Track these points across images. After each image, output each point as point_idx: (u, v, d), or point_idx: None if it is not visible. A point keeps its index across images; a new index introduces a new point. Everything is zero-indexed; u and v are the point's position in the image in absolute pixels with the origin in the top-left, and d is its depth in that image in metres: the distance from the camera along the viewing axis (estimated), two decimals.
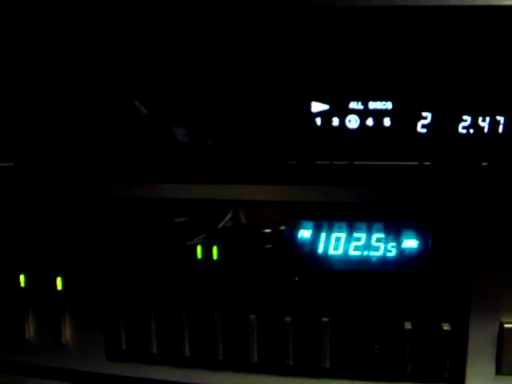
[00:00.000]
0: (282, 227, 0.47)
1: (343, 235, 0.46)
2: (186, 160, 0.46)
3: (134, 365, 0.50)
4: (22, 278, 0.50)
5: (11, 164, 0.49)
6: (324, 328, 0.46)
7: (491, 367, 0.46)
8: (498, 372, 0.46)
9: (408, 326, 0.45)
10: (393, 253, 0.46)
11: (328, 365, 0.46)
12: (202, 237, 0.48)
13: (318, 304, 0.46)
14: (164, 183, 0.48)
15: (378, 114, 0.42)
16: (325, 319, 0.46)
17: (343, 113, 0.42)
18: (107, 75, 0.44)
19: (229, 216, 0.47)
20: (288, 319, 0.46)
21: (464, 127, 0.41)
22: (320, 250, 0.46)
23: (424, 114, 0.41)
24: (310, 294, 0.46)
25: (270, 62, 0.42)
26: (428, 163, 0.43)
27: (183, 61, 0.43)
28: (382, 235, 0.46)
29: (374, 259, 0.46)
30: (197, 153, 0.45)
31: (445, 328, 0.45)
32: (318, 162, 0.44)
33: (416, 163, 0.44)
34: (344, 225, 0.46)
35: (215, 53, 0.42)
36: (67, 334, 0.51)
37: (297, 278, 0.47)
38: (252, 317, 0.47)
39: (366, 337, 0.46)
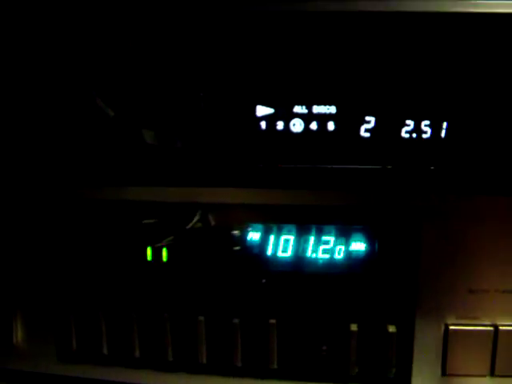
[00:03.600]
0: (231, 230, 0.48)
1: (292, 237, 0.48)
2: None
3: (85, 366, 0.51)
4: None
5: None
6: (271, 329, 0.47)
7: (437, 369, 0.47)
8: (444, 373, 0.48)
9: (354, 327, 0.47)
10: (341, 255, 0.47)
11: (276, 366, 0.48)
12: (153, 239, 0.49)
13: (266, 306, 0.48)
14: (116, 186, 0.48)
15: (322, 118, 0.43)
16: (272, 321, 0.47)
17: (288, 117, 0.43)
18: (72, 76, 0.44)
19: (180, 219, 0.48)
20: (236, 321, 0.47)
21: (407, 131, 0.43)
22: (269, 252, 0.48)
23: (367, 118, 0.43)
24: (258, 295, 0.48)
25: (217, 65, 0.43)
26: (375, 167, 0.44)
27: (146, 62, 0.43)
28: (330, 238, 0.47)
29: (321, 261, 0.47)
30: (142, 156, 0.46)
31: (390, 330, 0.46)
32: (262, 166, 0.44)
33: (363, 167, 0.45)
34: (293, 227, 0.48)
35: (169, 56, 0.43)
36: (19, 335, 0.52)
37: (245, 280, 0.48)
38: (201, 318, 0.48)
39: (314, 338, 0.48)
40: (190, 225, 0.48)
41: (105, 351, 0.50)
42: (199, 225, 0.48)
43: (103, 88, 0.45)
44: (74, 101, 0.45)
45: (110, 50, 0.44)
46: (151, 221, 0.49)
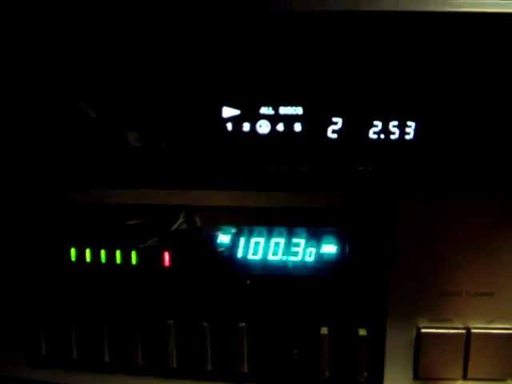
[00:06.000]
0: (201, 232, 0.48)
1: (262, 240, 0.48)
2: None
3: (55, 370, 0.51)
4: None
5: None
6: (241, 333, 0.47)
7: (409, 372, 0.48)
8: (416, 377, 0.48)
9: (324, 331, 0.47)
10: (311, 258, 0.47)
11: (246, 369, 0.48)
12: (123, 241, 0.49)
13: (235, 309, 0.48)
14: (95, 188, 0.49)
15: (289, 120, 0.43)
16: (242, 324, 0.47)
17: (254, 118, 0.43)
18: (53, 78, 0.44)
19: (149, 221, 0.48)
20: (205, 324, 0.48)
21: (375, 132, 0.43)
22: (239, 254, 0.48)
23: (334, 119, 0.43)
24: (227, 298, 0.48)
25: (183, 67, 0.43)
26: (343, 168, 0.44)
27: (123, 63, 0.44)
28: (300, 240, 0.47)
29: (292, 264, 0.47)
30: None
31: (361, 333, 0.47)
32: (231, 167, 0.44)
33: (332, 168, 0.45)
34: (263, 230, 0.48)
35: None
36: None
37: (215, 283, 0.48)
38: (170, 322, 0.48)
39: (284, 342, 0.48)
40: (175, 226, 0.48)
41: (74, 355, 0.51)
42: (184, 226, 0.48)
43: (85, 89, 0.45)
44: (55, 102, 0.45)
45: (92, 52, 0.44)
46: (125, 223, 0.49)
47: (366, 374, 0.48)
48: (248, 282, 0.48)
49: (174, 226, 0.48)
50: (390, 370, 0.48)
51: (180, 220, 0.48)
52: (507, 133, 0.42)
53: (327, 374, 0.48)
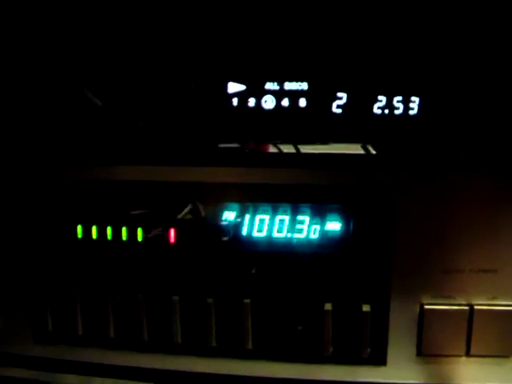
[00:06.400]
0: (206, 209, 0.48)
1: (267, 217, 0.48)
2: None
3: (61, 347, 0.52)
4: None
5: None
6: (246, 309, 0.48)
7: (412, 348, 0.48)
8: (419, 353, 0.48)
9: (328, 307, 0.47)
10: (316, 235, 0.48)
11: (251, 346, 0.48)
12: (128, 218, 0.49)
13: (240, 286, 0.48)
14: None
15: (294, 95, 0.44)
16: (246, 300, 0.48)
17: (259, 93, 0.44)
18: (59, 62, 0.45)
19: (154, 198, 0.49)
20: (210, 301, 0.48)
21: (379, 107, 0.43)
22: (244, 231, 0.48)
23: (339, 94, 0.43)
24: (232, 275, 0.48)
25: (188, 42, 0.44)
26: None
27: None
28: (305, 217, 0.48)
29: (296, 241, 0.48)
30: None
31: (365, 309, 0.47)
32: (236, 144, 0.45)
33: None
34: (268, 207, 0.48)
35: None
36: None
37: (220, 260, 0.48)
38: (175, 298, 0.49)
39: (289, 318, 0.49)
40: (181, 215, 0.48)
41: (80, 332, 0.51)
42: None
43: (89, 69, 0.45)
44: (61, 85, 0.46)
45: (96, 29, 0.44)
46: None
47: (369, 350, 0.48)
48: (253, 270, 0.49)
49: (180, 203, 0.49)
50: (393, 347, 0.48)
51: (185, 197, 0.49)
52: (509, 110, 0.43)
53: (331, 349, 0.48)
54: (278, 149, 0.57)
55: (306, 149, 0.57)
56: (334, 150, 0.52)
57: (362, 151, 0.54)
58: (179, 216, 0.49)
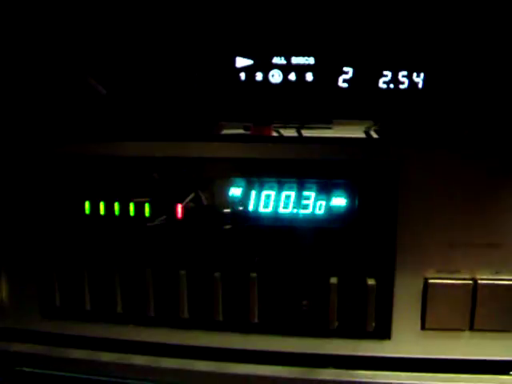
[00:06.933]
0: (213, 185, 0.49)
1: (273, 193, 0.49)
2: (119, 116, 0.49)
3: (69, 322, 0.52)
4: None
5: None
6: (252, 283, 0.48)
7: (416, 322, 0.49)
8: (423, 327, 0.49)
9: (334, 281, 0.48)
10: (321, 211, 0.48)
11: (257, 320, 0.49)
12: (136, 194, 0.50)
13: (247, 260, 0.49)
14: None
15: (301, 69, 0.44)
16: (253, 274, 0.48)
17: (266, 68, 0.44)
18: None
19: (161, 173, 0.49)
20: (217, 274, 0.49)
21: (384, 82, 0.44)
22: (250, 207, 0.49)
23: (345, 68, 0.44)
24: (239, 250, 0.49)
25: (198, 18, 0.44)
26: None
27: None
28: (310, 193, 0.48)
29: (302, 216, 0.48)
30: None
31: (370, 283, 0.47)
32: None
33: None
34: (274, 183, 0.49)
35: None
36: (3, 292, 0.53)
37: (226, 235, 0.49)
38: (182, 272, 0.49)
39: (295, 293, 0.49)
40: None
41: (87, 307, 0.52)
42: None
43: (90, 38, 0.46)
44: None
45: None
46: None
47: (374, 324, 0.49)
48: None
49: (187, 179, 0.49)
50: (397, 320, 0.49)
51: (193, 172, 0.49)
52: None
53: (336, 324, 0.49)
54: (279, 133, 0.58)
55: (308, 134, 0.58)
56: (337, 134, 0.53)
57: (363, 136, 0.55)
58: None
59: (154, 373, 0.51)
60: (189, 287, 0.50)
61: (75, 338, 0.53)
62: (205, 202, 0.50)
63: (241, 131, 0.57)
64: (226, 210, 0.49)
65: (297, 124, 0.56)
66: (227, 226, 0.50)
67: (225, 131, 0.57)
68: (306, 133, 0.58)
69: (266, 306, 0.50)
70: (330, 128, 0.56)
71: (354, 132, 0.55)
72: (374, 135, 0.56)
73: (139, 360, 0.51)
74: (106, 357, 0.52)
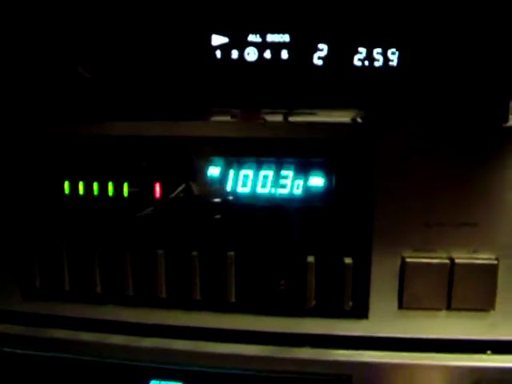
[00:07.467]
0: (191, 164, 0.49)
1: (251, 172, 0.49)
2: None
3: (49, 303, 0.53)
4: None
5: None
6: (229, 262, 0.48)
7: (393, 302, 0.49)
8: (400, 306, 0.49)
9: (311, 259, 0.48)
10: (299, 190, 0.49)
11: (234, 299, 0.49)
12: (114, 173, 0.50)
13: (224, 239, 0.49)
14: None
15: (276, 47, 0.45)
16: (230, 253, 0.48)
17: (242, 45, 0.44)
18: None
19: (140, 152, 0.50)
20: (194, 253, 0.49)
21: (359, 59, 0.44)
22: (229, 187, 0.49)
23: (320, 46, 0.44)
24: (217, 229, 0.49)
25: None
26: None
27: None
28: (288, 172, 0.49)
29: (280, 196, 0.49)
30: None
31: (347, 261, 0.47)
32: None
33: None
34: (252, 163, 0.49)
35: None
36: None
37: (204, 214, 0.49)
38: (160, 252, 0.49)
39: (272, 272, 0.49)
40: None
41: (67, 287, 0.52)
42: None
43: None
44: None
45: None
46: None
47: (351, 303, 0.49)
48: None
49: (165, 158, 0.50)
50: (375, 300, 0.49)
51: (170, 151, 0.50)
52: (488, 62, 0.44)
53: (313, 303, 0.49)
54: (264, 120, 0.58)
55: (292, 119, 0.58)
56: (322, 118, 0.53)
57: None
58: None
59: (132, 352, 0.51)
60: (167, 267, 0.50)
61: (55, 318, 0.53)
62: (183, 182, 0.50)
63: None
64: (204, 190, 0.50)
65: (284, 110, 0.56)
66: (205, 206, 0.50)
67: (212, 119, 0.57)
68: (292, 119, 0.58)
69: (243, 285, 0.50)
70: (316, 115, 0.56)
71: (341, 119, 0.55)
72: (359, 120, 0.56)
73: (118, 339, 0.52)
74: (86, 336, 0.52)
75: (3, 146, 0.52)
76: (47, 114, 0.51)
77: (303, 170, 0.49)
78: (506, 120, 0.46)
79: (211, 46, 0.46)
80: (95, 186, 0.51)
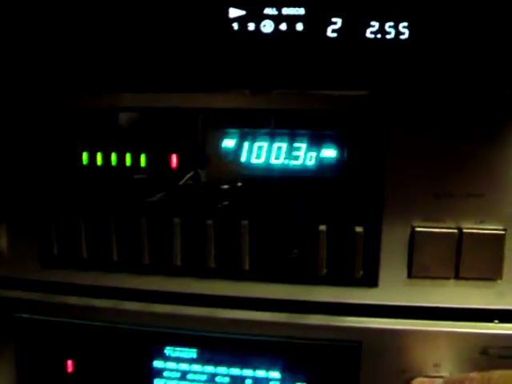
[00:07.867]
0: (206, 136, 0.50)
1: (265, 144, 0.50)
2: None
3: (66, 271, 0.54)
4: None
5: None
6: (243, 230, 0.50)
7: (403, 271, 0.50)
8: (409, 275, 0.50)
9: (323, 228, 0.49)
10: (312, 161, 0.50)
11: (248, 267, 0.51)
12: (132, 144, 0.52)
13: (238, 208, 0.50)
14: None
15: (291, 20, 0.46)
16: (244, 222, 0.50)
17: (258, 18, 0.46)
18: None
19: (156, 124, 0.51)
20: (209, 222, 0.50)
21: (372, 32, 0.46)
22: (243, 158, 0.51)
23: (334, 19, 0.46)
24: (231, 199, 0.50)
25: None
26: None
27: None
28: (301, 144, 0.50)
29: (293, 167, 0.50)
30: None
31: (358, 230, 0.49)
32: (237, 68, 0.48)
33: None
34: (266, 135, 0.50)
35: None
36: (2, 242, 0.55)
37: (220, 184, 0.51)
38: (176, 220, 0.51)
39: (285, 241, 0.50)
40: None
41: (84, 255, 0.53)
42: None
43: None
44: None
45: None
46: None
47: (361, 271, 0.50)
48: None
49: (181, 129, 0.51)
50: (385, 268, 0.50)
51: (187, 123, 0.51)
52: (498, 35, 0.45)
53: (325, 271, 0.50)
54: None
55: None
56: None
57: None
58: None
59: (147, 318, 0.52)
60: (182, 235, 0.52)
61: (72, 286, 0.55)
62: (200, 153, 0.51)
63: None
64: (219, 161, 0.51)
65: (297, 91, 0.57)
66: (220, 177, 0.51)
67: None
68: None
69: (256, 253, 0.51)
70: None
71: None
72: None
73: (133, 306, 0.53)
74: (101, 303, 0.54)
75: (25, 117, 0.53)
76: (63, 87, 0.52)
77: (316, 141, 0.50)
78: None
79: (228, 18, 0.47)
80: (113, 156, 0.53)
